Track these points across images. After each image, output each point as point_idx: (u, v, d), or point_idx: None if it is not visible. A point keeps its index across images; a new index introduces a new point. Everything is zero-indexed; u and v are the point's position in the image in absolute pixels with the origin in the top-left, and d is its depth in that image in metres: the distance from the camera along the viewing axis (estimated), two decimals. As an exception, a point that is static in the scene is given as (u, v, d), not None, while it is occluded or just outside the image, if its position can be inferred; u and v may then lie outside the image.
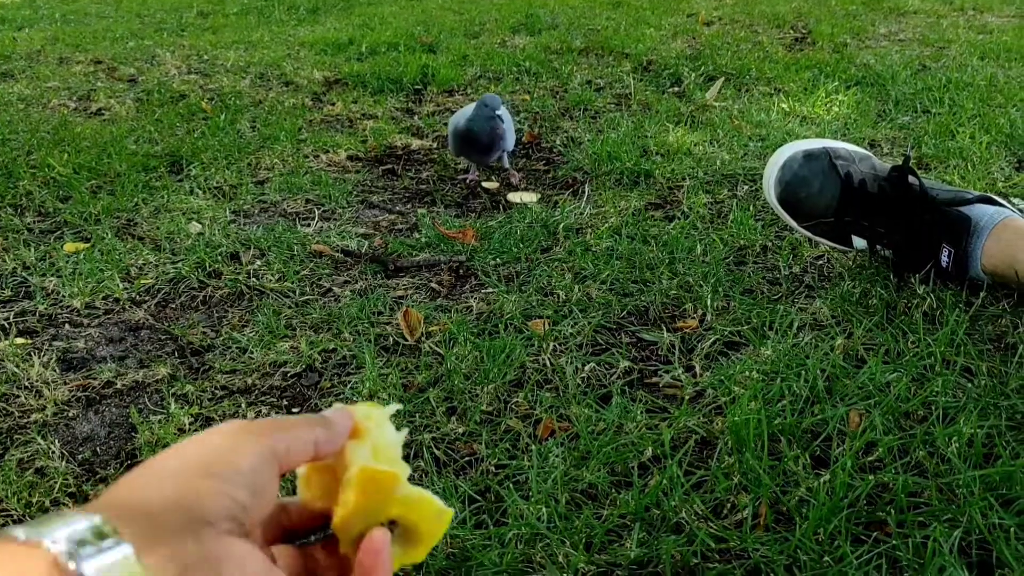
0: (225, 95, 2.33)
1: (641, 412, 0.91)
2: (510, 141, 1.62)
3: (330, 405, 0.94)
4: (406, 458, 0.73)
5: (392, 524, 0.37)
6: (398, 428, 0.40)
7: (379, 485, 0.36)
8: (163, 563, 0.28)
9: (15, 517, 0.82)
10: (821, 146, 1.21)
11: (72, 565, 0.26)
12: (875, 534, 0.73)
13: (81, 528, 0.27)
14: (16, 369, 1.05)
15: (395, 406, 0.40)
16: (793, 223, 1.23)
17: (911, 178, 1.13)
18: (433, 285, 1.25)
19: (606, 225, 1.39)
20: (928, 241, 1.11)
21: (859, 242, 1.20)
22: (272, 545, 0.39)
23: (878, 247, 1.17)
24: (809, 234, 1.23)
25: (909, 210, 1.12)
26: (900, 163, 1.14)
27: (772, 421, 0.86)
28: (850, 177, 1.17)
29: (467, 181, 1.66)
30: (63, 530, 0.27)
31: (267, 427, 0.35)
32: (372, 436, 0.38)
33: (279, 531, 0.40)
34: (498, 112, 1.54)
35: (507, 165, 1.67)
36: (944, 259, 1.10)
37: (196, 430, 0.94)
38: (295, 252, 1.35)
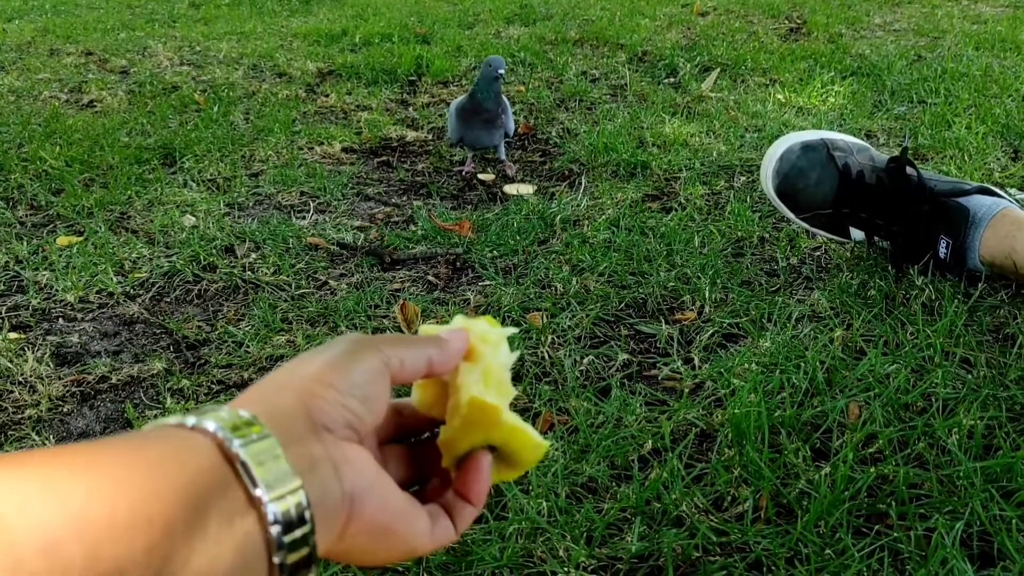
0: (218, 87, 2.31)
1: (640, 405, 0.91)
2: (510, 125, 1.61)
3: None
4: None
5: (492, 448, 0.40)
6: (512, 351, 0.42)
7: (485, 415, 0.39)
8: (295, 459, 0.31)
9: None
10: (819, 137, 1.21)
11: (233, 446, 0.30)
12: (877, 526, 0.73)
13: (236, 419, 0.31)
14: (9, 364, 1.04)
15: (512, 329, 0.42)
16: (791, 215, 1.23)
17: (909, 169, 1.13)
18: (430, 278, 1.24)
19: (603, 217, 1.39)
20: (926, 232, 1.11)
21: (857, 234, 1.19)
22: (385, 444, 0.42)
23: (876, 238, 1.17)
24: (807, 226, 1.23)
25: (907, 201, 1.11)
26: (898, 154, 1.14)
27: (772, 413, 0.86)
28: (848, 168, 1.16)
29: (463, 173, 1.66)
30: (222, 417, 0.31)
31: (384, 341, 0.38)
32: (485, 359, 0.40)
33: (393, 430, 0.42)
34: (501, 72, 1.52)
35: (503, 156, 1.66)
36: (942, 250, 1.10)
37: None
38: (290, 245, 1.34)
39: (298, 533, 0.30)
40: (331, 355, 0.36)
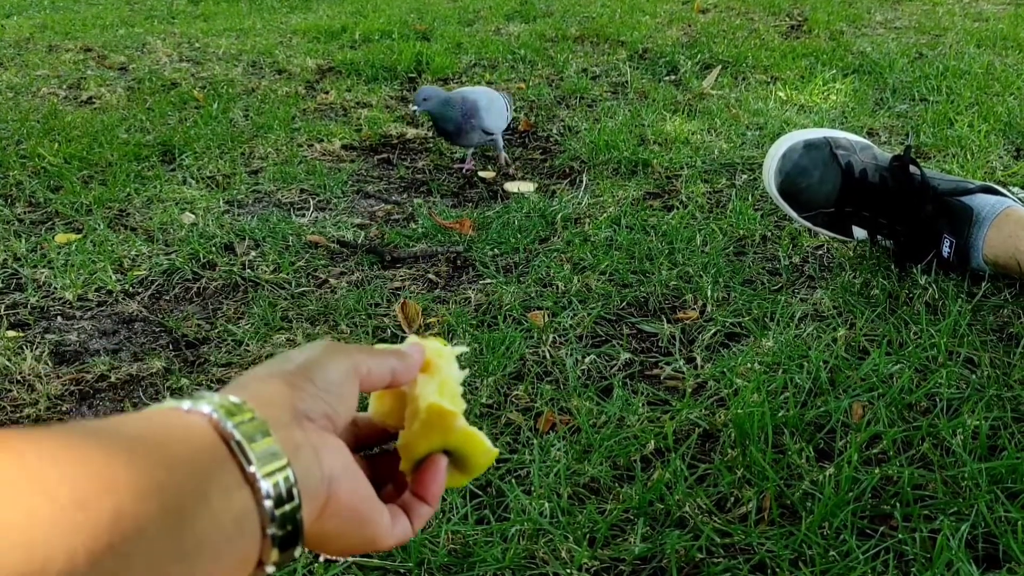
0: (217, 83, 2.30)
1: (643, 405, 0.91)
2: (488, 123, 1.58)
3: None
4: None
5: (448, 452, 0.43)
6: (461, 368, 0.45)
7: (443, 420, 0.42)
8: (281, 442, 0.33)
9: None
10: (822, 135, 1.20)
11: (226, 425, 0.32)
12: (881, 528, 0.73)
13: (228, 403, 0.33)
14: (8, 363, 1.04)
15: (463, 348, 0.47)
16: (793, 213, 1.23)
17: (912, 168, 1.12)
18: (431, 276, 1.23)
19: (604, 215, 1.38)
20: (930, 231, 1.10)
21: (859, 232, 1.19)
22: None
23: (879, 237, 1.16)
24: (809, 224, 1.22)
25: (910, 200, 1.11)
26: (901, 153, 1.13)
27: (775, 414, 0.86)
28: (851, 167, 1.16)
29: (464, 170, 1.65)
30: (215, 401, 0.33)
31: (354, 349, 0.40)
32: (440, 372, 0.44)
33: (350, 440, 0.44)
34: (414, 108, 1.55)
35: (499, 149, 1.65)
36: (946, 249, 1.09)
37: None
38: (290, 243, 1.34)
39: (287, 508, 0.32)
40: (310, 355, 0.39)
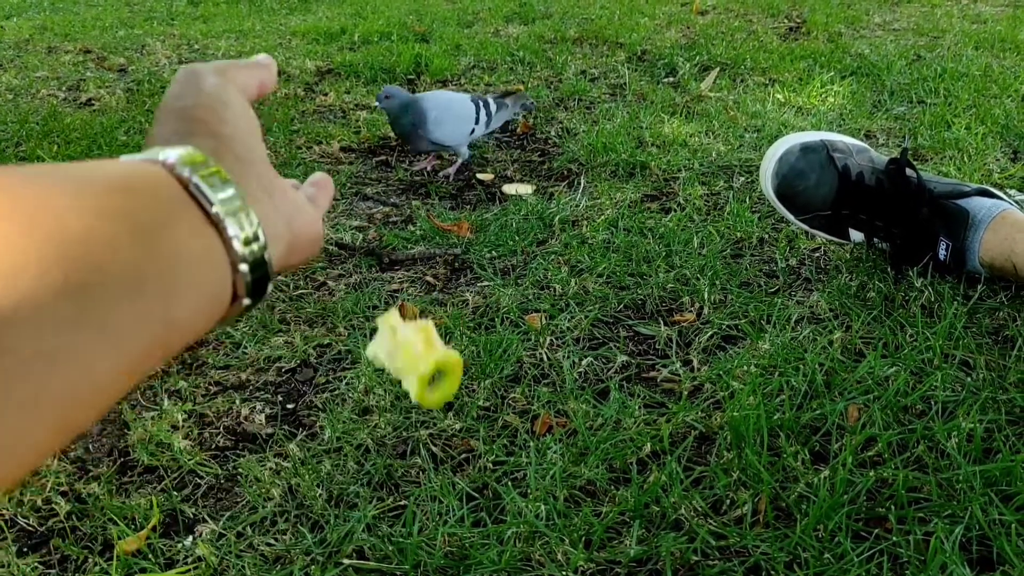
0: (216, 85, 2.30)
1: (639, 407, 0.91)
2: (435, 134, 1.58)
3: (324, 401, 0.93)
4: (403, 454, 0.87)
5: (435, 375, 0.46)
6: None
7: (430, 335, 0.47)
8: (237, 188, 0.33)
9: (6, 517, 0.81)
10: (819, 139, 1.21)
11: (183, 171, 0.31)
12: (876, 530, 0.73)
13: (182, 152, 0.32)
14: (7, 365, 1.04)
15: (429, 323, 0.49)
16: (790, 216, 1.23)
17: (909, 171, 1.12)
18: (428, 278, 1.24)
19: (602, 217, 1.38)
20: (926, 234, 1.10)
21: (856, 235, 1.19)
22: None
23: (875, 240, 1.17)
24: (806, 227, 1.23)
25: (906, 203, 1.11)
26: (897, 155, 1.14)
27: (771, 416, 0.86)
28: (847, 170, 1.16)
29: (422, 170, 1.67)
30: (170, 152, 0.32)
31: (224, 68, 0.39)
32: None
33: None
34: (376, 104, 1.58)
35: (456, 162, 1.66)
36: (942, 252, 1.10)
37: (190, 427, 0.93)
38: (288, 245, 1.34)
39: (255, 247, 0.33)
40: (210, 90, 0.37)
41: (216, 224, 0.31)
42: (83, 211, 0.26)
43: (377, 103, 1.59)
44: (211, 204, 0.31)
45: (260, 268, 0.33)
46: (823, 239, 1.24)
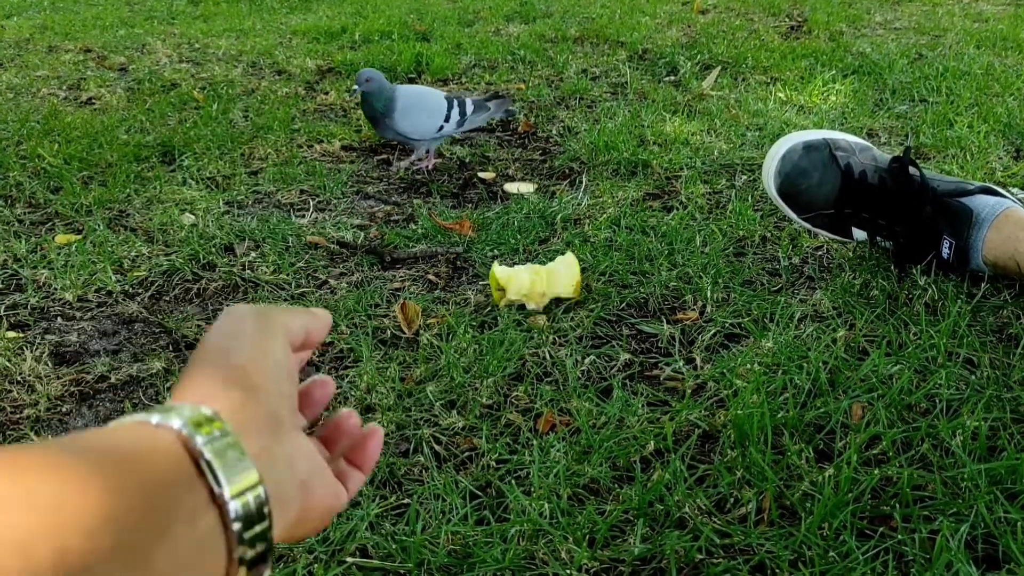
0: (217, 84, 2.30)
1: (642, 405, 0.91)
2: (400, 126, 1.59)
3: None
4: (406, 452, 0.88)
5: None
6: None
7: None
8: (255, 455, 0.32)
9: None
10: (821, 137, 1.20)
11: (196, 443, 0.31)
12: (881, 529, 0.73)
13: (199, 416, 0.32)
14: (8, 363, 1.04)
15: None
16: (792, 215, 1.23)
17: (912, 169, 1.12)
18: (430, 277, 1.24)
19: (604, 216, 1.38)
20: (929, 233, 1.10)
21: (859, 234, 1.19)
22: None
23: (878, 239, 1.16)
24: (809, 226, 1.23)
25: (910, 202, 1.11)
26: (900, 154, 1.13)
27: (775, 414, 0.86)
28: (850, 169, 1.16)
29: (395, 168, 1.68)
30: (188, 412, 0.32)
31: (276, 314, 0.39)
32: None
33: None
34: (355, 88, 1.58)
35: (413, 155, 1.67)
36: (945, 251, 1.09)
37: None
38: (290, 244, 1.34)
39: (257, 529, 0.31)
40: (248, 339, 0.37)
41: (220, 505, 0.31)
42: (62, 531, 0.26)
43: (357, 86, 1.59)
44: (219, 484, 0.30)
45: (260, 542, 0.32)
46: (826, 238, 1.24)
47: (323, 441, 0.43)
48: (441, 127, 1.61)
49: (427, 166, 1.66)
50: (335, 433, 0.43)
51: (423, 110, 1.60)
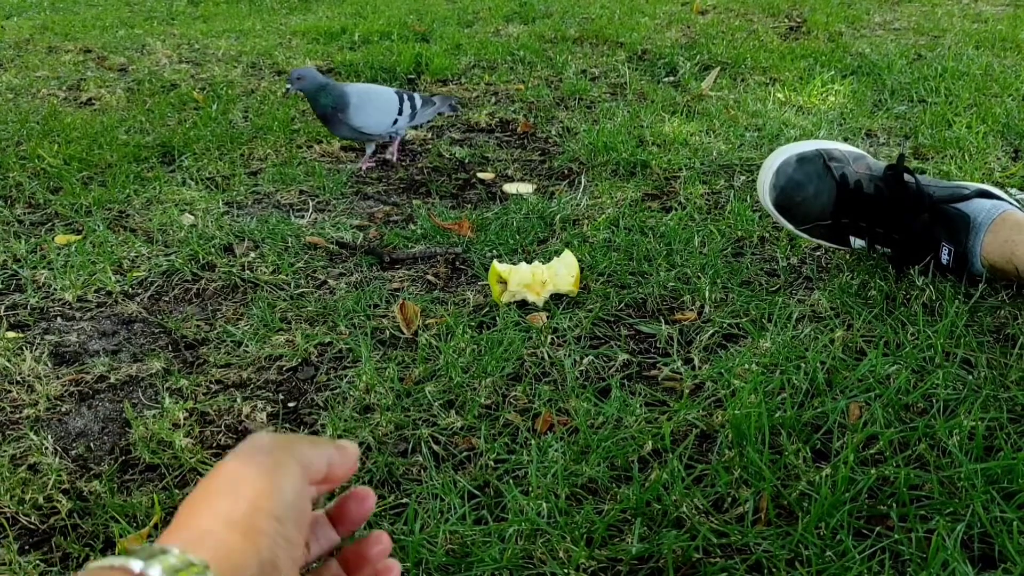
0: (217, 85, 2.30)
1: (640, 405, 0.91)
2: (354, 120, 1.60)
3: (326, 399, 0.93)
4: (404, 452, 0.89)
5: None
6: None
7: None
8: None
9: (8, 515, 0.81)
10: (814, 148, 1.20)
11: None
12: (878, 528, 0.73)
13: (183, 564, 0.31)
14: (7, 363, 1.04)
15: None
16: (790, 227, 1.22)
17: (907, 176, 1.12)
18: (429, 277, 1.24)
19: (603, 216, 1.38)
20: (927, 240, 1.10)
21: (857, 241, 1.19)
22: None
23: (877, 246, 1.16)
24: (807, 236, 1.22)
25: (906, 210, 1.11)
26: (895, 162, 1.13)
27: (772, 414, 0.86)
28: (845, 179, 1.16)
29: (361, 168, 1.69)
30: (170, 563, 0.31)
31: (296, 444, 0.38)
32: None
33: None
34: (288, 88, 1.59)
35: (372, 151, 1.70)
36: (944, 257, 1.09)
37: (191, 425, 0.93)
38: (289, 244, 1.34)
39: None
40: (262, 472, 0.36)
41: None
42: None
43: (289, 86, 1.60)
44: None
45: None
46: (825, 247, 1.24)
47: (342, 560, 0.42)
48: (395, 121, 1.65)
49: (392, 156, 1.69)
50: (356, 556, 0.42)
51: (378, 106, 1.63)
